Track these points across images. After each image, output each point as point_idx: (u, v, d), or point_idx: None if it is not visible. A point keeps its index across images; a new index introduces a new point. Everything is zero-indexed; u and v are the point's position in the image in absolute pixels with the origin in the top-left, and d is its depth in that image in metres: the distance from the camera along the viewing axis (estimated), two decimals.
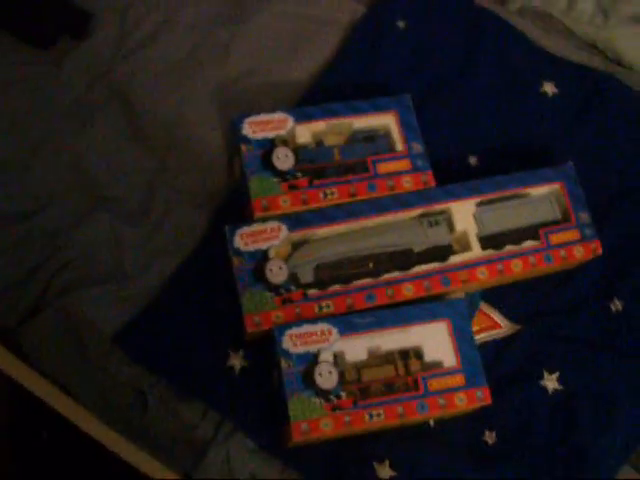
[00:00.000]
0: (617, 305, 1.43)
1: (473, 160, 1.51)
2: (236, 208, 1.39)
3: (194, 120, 1.49)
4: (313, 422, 1.20)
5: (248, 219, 1.33)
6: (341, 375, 1.23)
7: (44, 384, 1.35)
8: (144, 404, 1.31)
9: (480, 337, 1.39)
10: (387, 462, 1.28)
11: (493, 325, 1.41)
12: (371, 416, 1.22)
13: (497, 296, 1.42)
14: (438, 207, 1.36)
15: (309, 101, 1.48)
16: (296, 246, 1.32)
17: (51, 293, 1.34)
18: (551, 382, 1.37)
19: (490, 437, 1.32)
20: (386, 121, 1.40)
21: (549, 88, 1.57)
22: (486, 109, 1.54)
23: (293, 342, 1.23)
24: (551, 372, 1.37)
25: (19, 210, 1.40)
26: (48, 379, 1.34)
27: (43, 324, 1.33)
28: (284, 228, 1.30)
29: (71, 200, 1.42)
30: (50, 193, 1.42)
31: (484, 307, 1.41)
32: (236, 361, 1.31)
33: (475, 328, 1.39)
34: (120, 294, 1.34)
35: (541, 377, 1.37)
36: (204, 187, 1.45)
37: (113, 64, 1.52)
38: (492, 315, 1.41)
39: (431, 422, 1.32)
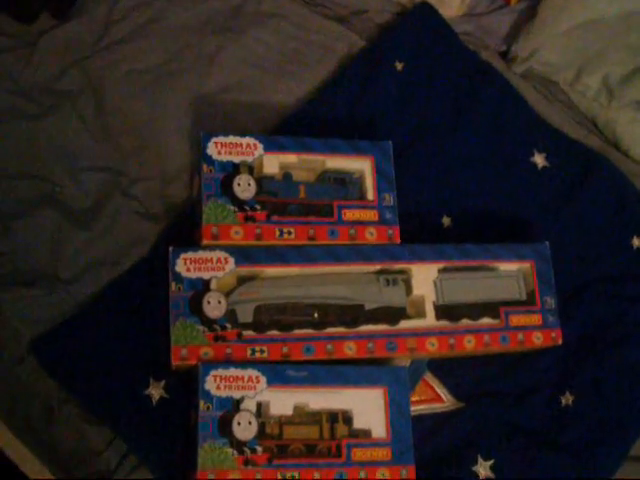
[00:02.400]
0: (568, 399, 1.36)
1: (447, 221, 1.43)
2: (189, 229, 1.31)
3: (164, 128, 1.41)
4: (221, 473, 1.12)
5: (196, 244, 1.25)
6: (261, 428, 1.15)
7: None
8: (51, 420, 1.22)
9: (419, 409, 1.31)
10: None
11: (435, 398, 1.33)
12: (284, 478, 1.14)
13: (444, 368, 1.34)
14: (398, 266, 1.28)
15: (287, 128, 1.41)
16: (242, 282, 1.24)
17: None
18: (484, 469, 1.29)
19: None
20: (362, 166, 1.32)
21: (540, 159, 1.50)
22: (470, 169, 1.47)
23: (217, 384, 1.15)
24: (486, 459, 1.29)
25: None
26: None
27: None
28: (231, 260, 1.22)
29: (18, 189, 1.33)
30: None
31: (429, 377, 1.34)
32: (155, 391, 1.23)
33: (415, 398, 1.32)
34: (48, 299, 1.26)
35: (474, 462, 1.29)
36: (160, 200, 1.37)
37: (92, 53, 1.45)
38: (435, 387, 1.33)
39: None
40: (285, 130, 1.39)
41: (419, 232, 1.35)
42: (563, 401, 1.36)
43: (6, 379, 1.25)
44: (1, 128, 1.36)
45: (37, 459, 1.27)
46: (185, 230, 1.31)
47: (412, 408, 1.28)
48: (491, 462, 1.29)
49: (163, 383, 1.23)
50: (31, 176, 1.34)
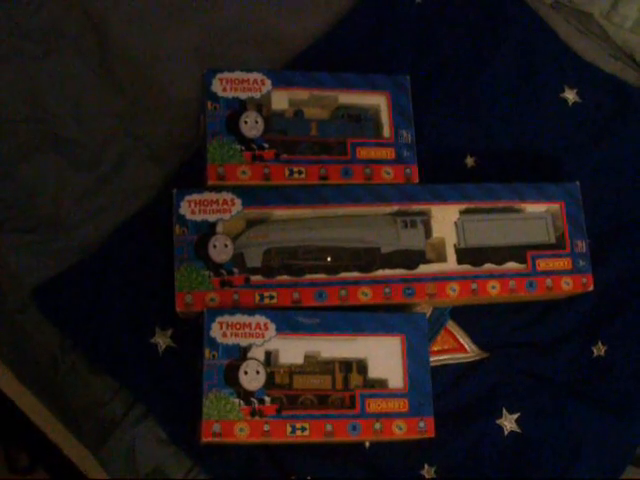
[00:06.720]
0: (600, 349, 1.27)
1: (470, 161, 1.35)
2: (198, 172, 1.24)
3: (170, 68, 1.35)
4: (227, 424, 1.06)
5: (202, 185, 1.19)
6: (270, 377, 1.09)
7: None
8: (57, 369, 1.18)
9: (441, 358, 1.24)
10: None
11: (458, 348, 1.26)
12: (294, 429, 1.08)
13: (468, 316, 1.27)
14: (417, 207, 1.20)
15: (299, 64, 1.33)
16: (251, 225, 1.17)
17: None
18: (509, 422, 1.22)
19: (428, 472, 1.18)
20: (377, 101, 1.24)
21: (571, 95, 1.40)
22: (496, 106, 1.38)
23: (223, 331, 1.09)
24: (511, 412, 1.22)
25: None
26: None
27: None
28: (238, 202, 1.15)
29: (20, 133, 1.28)
30: None
31: (452, 326, 1.26)
32: (161, 340, 1.17)
33: (437, 348, 1.25)
34: (50, 245, 1.21)
35: (499, 415, 1.22)
36: (167, 141, 1.31)
37: None
38: (459, 337, 1.26)
39: (366, 443, 1.18)
40: (297, 66, 1.32)
41: (440, 173, 1.27)
42: (595, 351, 1.28)
43: (10, 328, 1.21)
44: (2, 70, 1.30)
45: (47, 409, 1.24)
46: (194, 174, 1.25)
47: (434, 358, 1.22)
48: (517, 415, 1.22)
49: (170, 332, 1.18)
50: (34, 119, 1.29)
